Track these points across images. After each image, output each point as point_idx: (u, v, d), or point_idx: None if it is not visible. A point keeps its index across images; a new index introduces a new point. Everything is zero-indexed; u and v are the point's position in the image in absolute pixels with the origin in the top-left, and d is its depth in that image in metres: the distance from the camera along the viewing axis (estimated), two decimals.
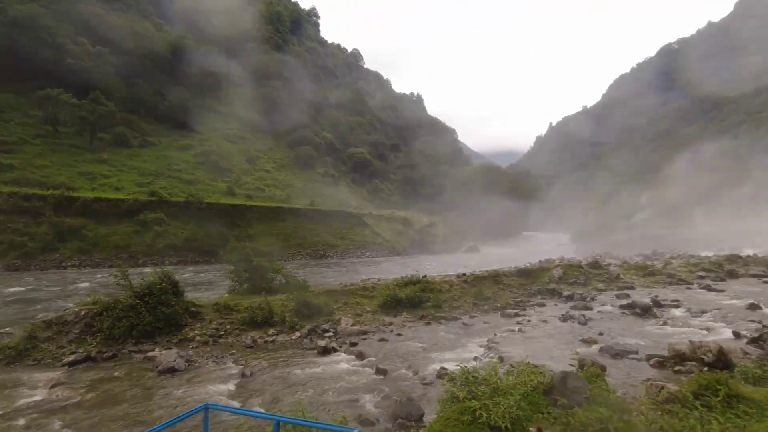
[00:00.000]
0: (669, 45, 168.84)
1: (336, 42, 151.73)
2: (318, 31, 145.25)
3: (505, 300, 17.08)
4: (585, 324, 13.93)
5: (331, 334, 13.14)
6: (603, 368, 9.05)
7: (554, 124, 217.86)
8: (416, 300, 15.82)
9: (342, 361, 10.87)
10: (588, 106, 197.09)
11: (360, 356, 11.13)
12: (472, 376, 6.23)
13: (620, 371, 9.61)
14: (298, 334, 12.97)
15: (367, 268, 37.90)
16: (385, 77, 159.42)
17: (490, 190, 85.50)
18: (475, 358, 10.67)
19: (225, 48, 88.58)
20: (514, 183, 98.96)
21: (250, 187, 63.39)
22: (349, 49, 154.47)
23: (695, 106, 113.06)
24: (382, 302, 15.65)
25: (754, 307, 15.20)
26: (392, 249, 56.57)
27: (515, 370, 6.76)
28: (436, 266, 34.72)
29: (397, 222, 65.08)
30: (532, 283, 19.06)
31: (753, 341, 11.21)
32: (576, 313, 15.07)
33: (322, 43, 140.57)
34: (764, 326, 12.43)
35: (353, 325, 13.82)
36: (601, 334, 12.76)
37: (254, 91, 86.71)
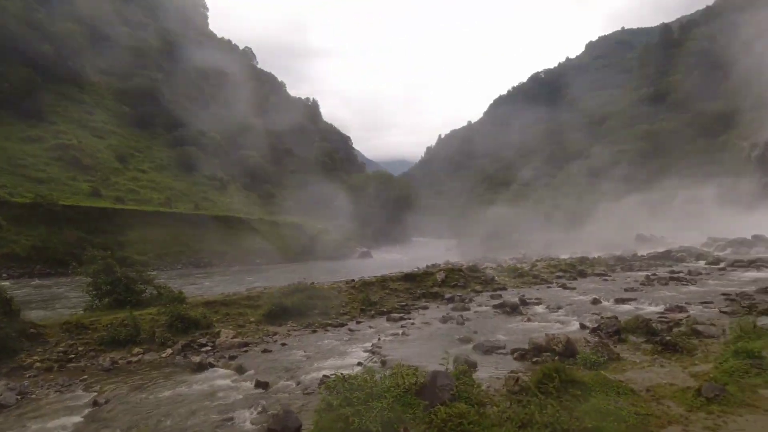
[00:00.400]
0: (537, 73, 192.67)
1: (226, 38, 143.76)
2: (206, 23, 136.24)
3: (391, 304, 17.58)
4: (463, 324, 14.90)
5: (209, 348, 12.17)
6: (474, 364, 9.74)
7: (443, 136, 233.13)
8: (303, 308, 15.47)
9: (218, 377, 10.10)
10: (472, 121, 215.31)
11: (239, 370, 10.46)
12: (349, 383, 6.20)
13: (490, 366, 10.42)
14: (169, 351, 11.76)
15: (257, 276, 36.25)
16: (279, 80, 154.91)
17: (383, 196, 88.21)
18: (359, 364, 10.72)
19: (90, 28, 78.19)
20: (406, 190, 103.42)
21: (121, 189, 56.53)
22: (241, 47, 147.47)
23: (578, 119, 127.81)
24: (268, 311, 15.00)
25: (596, 301, 17.72)
26: (284, 256, 55.00)
27: (392, 372, 6.90)
28: (328, 272, 34.58)
29: (289, 228, 63.55)
30: (417, 287, 19.92)
31: (593, 331, 13.05)
32: (455, 314, 16.07)
33: (209, 36, 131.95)
34: (602, 318, 14.51)
35: (234, 337, 12.99)
36: (475, 332, 13.74)
37: (127, 80, 77.89)
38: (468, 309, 17.29)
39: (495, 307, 17.29)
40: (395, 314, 16.22)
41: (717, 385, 5.53)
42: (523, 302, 17.87)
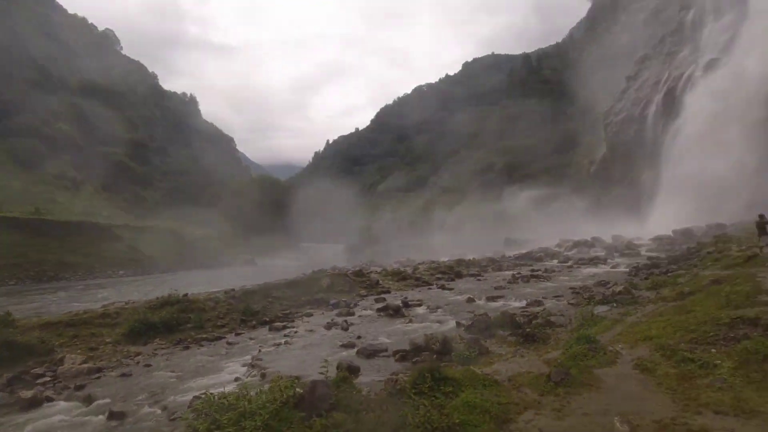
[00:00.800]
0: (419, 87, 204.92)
1: (81, 15, 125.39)
2: None
3: (274, 313, 16.84)
4: (347, 329, 14.87)
5: (48, 379, 10.23)
6: (357, 369, 9.72)
7: (331, 141, 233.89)
8: (174, 322, 13.97)
9: (59, 413, 8.51)
10: (360, 128, 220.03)
11: (88, 401, 8.97)
12: (219, 403, 5.66)
13: (372, 370, 10.51)
14: None
15: (118, 290, 31.96)
16: (150, 70, 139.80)
17: (269, 201, 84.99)
18: (236, 379, 9.98)
19: None
20: (293, 195, 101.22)
21: None
22: (101, 28, 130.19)
23: (455, 131, 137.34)
24: (129, 330, 13.22)
25: (470, 300, 19.16)
26: (156, 266, 49.58)
27: (270, 386, 6.49)
28: (207, 282, 32.00)
29: (162, 235, 57.52)
30: (302, 294, 19.44)
31: (467, 328, 14.07)
32: (340, 319, 15.99)
33: (55, 8, 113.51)
34: (475, 315, 15.71)
35: (83, 362, 11.13)
36: (359, 337, 13.80)
37: None
38: (353, 314, 17.36)
39: (379, 310, 17.64)
40: (278, 323, 15.56)
41: (562, 369, 6.28)
42: (406, 304, 18.55)
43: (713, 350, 6.11)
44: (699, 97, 39.08)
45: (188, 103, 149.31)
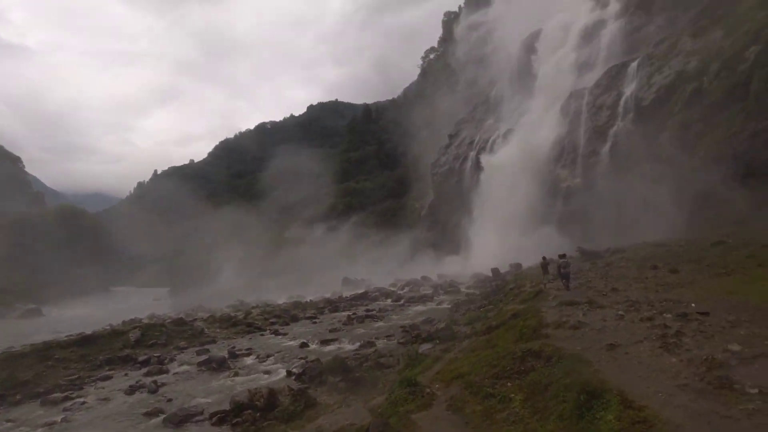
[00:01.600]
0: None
1: None
2: None
3: (54, 381, 13.27)
4: (156, 392, 12.59)
5: None
6: None
7: (159, 171, 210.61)
8: None
9: None
10: (195, 160, 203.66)
11: None
12: None
13: None
14: None
15: None
16: None
17: (70, 236, 70.44)
18: None
19: None
20: (104, 230, 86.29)
21: None
22: None
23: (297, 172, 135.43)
24: None
25: (304, 345, 18.36)
26: None
27: None
28: None
29: None
30: (99, 353, 15.95)
31: (298, 377, 13.26)
32: (148, 380, 13.49)
33: None
34: (307, 361, 15.02)
35: None
36: (170, 400, 11.76)
37: None
38: (166, 371, 14.90)
39: (200, 364, 15.54)
40: (57, 394, 12.26)
41: (381, 420, 6.14)
42: (233, 355, 16.81)
43: (509, 384, 6.74)
44: (499, 156, 47.32)
45: None
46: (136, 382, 13.33)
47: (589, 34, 40.29)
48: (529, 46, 48.57)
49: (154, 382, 13.23)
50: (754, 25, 23.95)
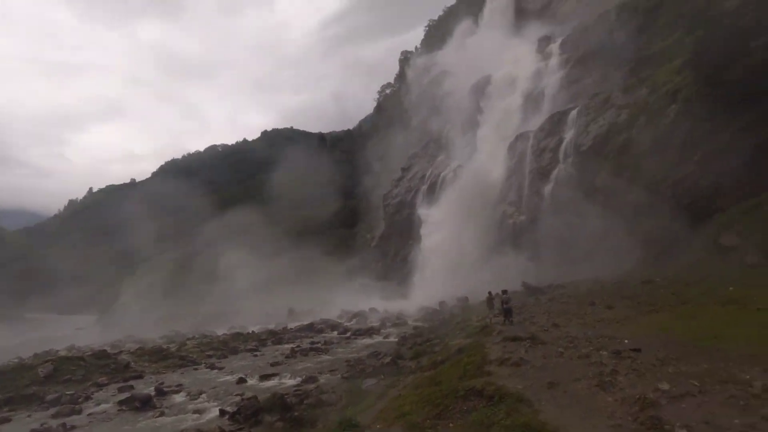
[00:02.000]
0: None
1: None
2: None
3: None
4: None
5: None
6: None
7: (95, 189, 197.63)
8: None
9: None
10: (137, 179, 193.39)
11: None
12: None
13: None
14: None
15: None
16: None
17: None
18: None
19: None
20: (23, 250, 78.73)
21: None
22: None
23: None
24: None
25: (241, 380, 17.23)
26: None
27: None
28: None
29: None
30: None
31: (232, 417, 12.29)
32: (55, 423, 12.00)
33: None
34: (243, 399, 14.00)
35: None
36: None
37: None
38: (80, 412, 13.35)
39: (121, 403, 14.11)
40: None
41: None
42: (160, 392, 15.42)
43: (451, 425, 6.54)
44: (449, 192, 48.72)
45: None
46: (41, 425, 11.81)
47: (535, 82, 43.34)
48: (479, 90, 51.36)
49: (63, 425, 11.76)
50: (672, 87, 26.77)
